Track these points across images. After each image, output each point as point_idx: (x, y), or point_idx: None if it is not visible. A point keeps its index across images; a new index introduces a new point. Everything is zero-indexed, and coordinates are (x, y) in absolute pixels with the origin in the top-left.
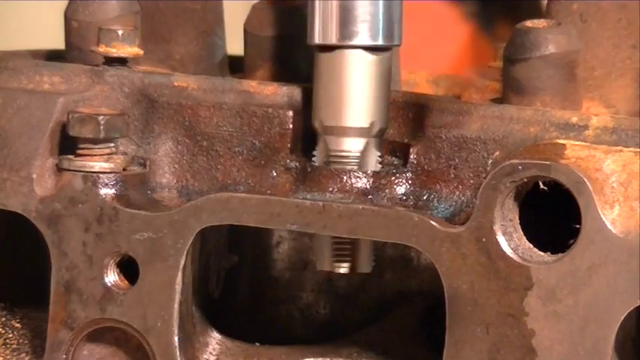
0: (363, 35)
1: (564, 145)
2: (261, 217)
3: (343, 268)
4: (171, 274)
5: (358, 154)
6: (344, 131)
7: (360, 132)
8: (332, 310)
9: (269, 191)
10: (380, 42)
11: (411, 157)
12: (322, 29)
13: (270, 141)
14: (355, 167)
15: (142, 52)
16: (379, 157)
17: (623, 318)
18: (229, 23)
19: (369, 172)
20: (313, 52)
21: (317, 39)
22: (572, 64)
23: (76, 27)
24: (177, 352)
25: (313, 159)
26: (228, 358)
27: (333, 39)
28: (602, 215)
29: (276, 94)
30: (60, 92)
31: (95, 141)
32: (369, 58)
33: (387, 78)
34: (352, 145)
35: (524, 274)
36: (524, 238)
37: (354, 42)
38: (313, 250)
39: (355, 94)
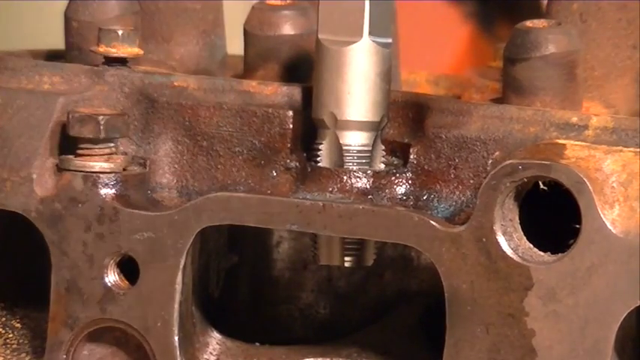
0: (382, 30)
1: (564, 145)
2: (261, 217)
3: (348, 262)
4: (171, 274)
5: (370, 149)
6: (359, 125)
7: (373, 126)
8: (332, 310)
9: (269, 191)
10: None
11: (411, 157)
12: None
13: (270, 141)
14: (368, 162)
15: (142, 52)
16: (383, 150)
17: (623, 318)
18: (229, 23)
19: (368, 172)
20: (320, 45)
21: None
22: (572, 64)
23: (76, 27)
24: (177, 352)
25: (318, 154)
26: (228, 358)
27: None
28: (602, 215)
29: (276, 94)
30: (60, 92)
31: (95, 141)
32: (386, 52)
33: (390, 73)
34: (366, 140)
35: (524, 274)
36: (524, 238)
37: (376, 37)
38: (317, 245)
39: (373, 88)
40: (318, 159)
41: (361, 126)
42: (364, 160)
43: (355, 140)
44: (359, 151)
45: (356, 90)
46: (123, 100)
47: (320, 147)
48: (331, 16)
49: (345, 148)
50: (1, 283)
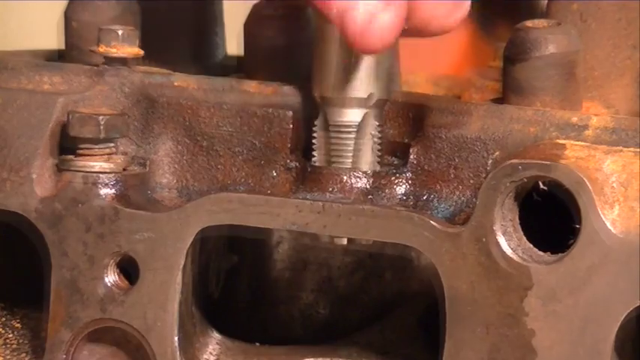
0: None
1: (564, 145)
2: (261, 217)
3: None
4: (171, 274)
5: (357, 125)
6: (342, 102)
7: (359, 102)
8: (332, 310)
9: (269, 191)
10: None
11: (411, 157)
12: None
13: (270, 141)
14: (353, 138)
15: (142, 52)
16: (378, 126)
17: (623, 318)
18: (229, 23)
19: (369, 172)
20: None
21: None
22: (572, 64)
23: (76, 27)
24: (177, 352)
25: (314, 129)
26: (228, 358)
27: None
28: (602, 215)
29: (276, 94)
30: (60, 92)
31: (95, 141)
32: None
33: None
34: (351, 116)
35: (524, 274)
36: (524, 238)
37: None
38: None
39: (353, 65)
40: (349, 136)
41: (384, 104)
42: (382, 140)
43: (382, 119)
44: (382, 130)
45: (387, 70)
46: (123, 100)
47: (350, 125)
48: None
49: (377, 126)
50: (1, 283)
